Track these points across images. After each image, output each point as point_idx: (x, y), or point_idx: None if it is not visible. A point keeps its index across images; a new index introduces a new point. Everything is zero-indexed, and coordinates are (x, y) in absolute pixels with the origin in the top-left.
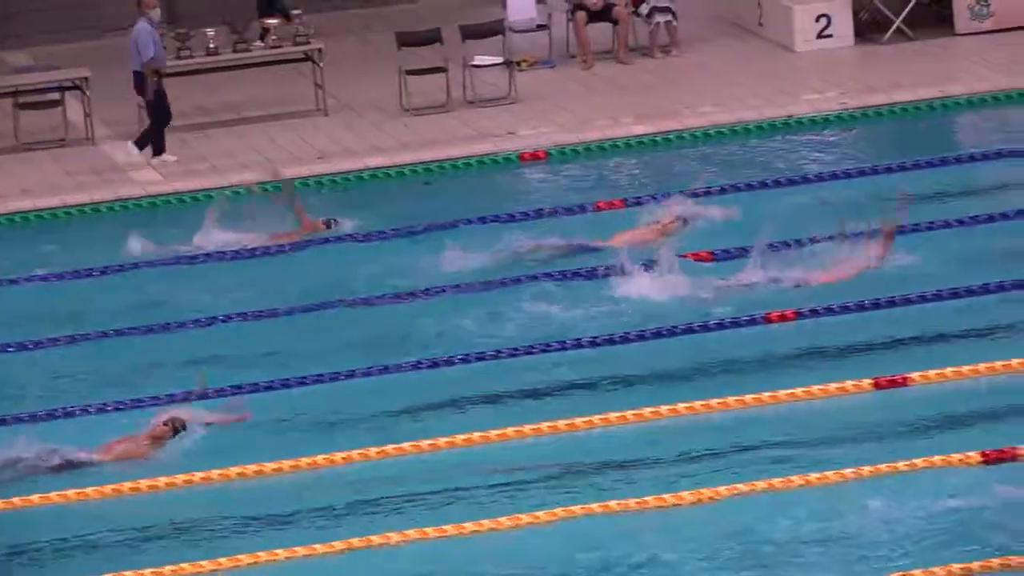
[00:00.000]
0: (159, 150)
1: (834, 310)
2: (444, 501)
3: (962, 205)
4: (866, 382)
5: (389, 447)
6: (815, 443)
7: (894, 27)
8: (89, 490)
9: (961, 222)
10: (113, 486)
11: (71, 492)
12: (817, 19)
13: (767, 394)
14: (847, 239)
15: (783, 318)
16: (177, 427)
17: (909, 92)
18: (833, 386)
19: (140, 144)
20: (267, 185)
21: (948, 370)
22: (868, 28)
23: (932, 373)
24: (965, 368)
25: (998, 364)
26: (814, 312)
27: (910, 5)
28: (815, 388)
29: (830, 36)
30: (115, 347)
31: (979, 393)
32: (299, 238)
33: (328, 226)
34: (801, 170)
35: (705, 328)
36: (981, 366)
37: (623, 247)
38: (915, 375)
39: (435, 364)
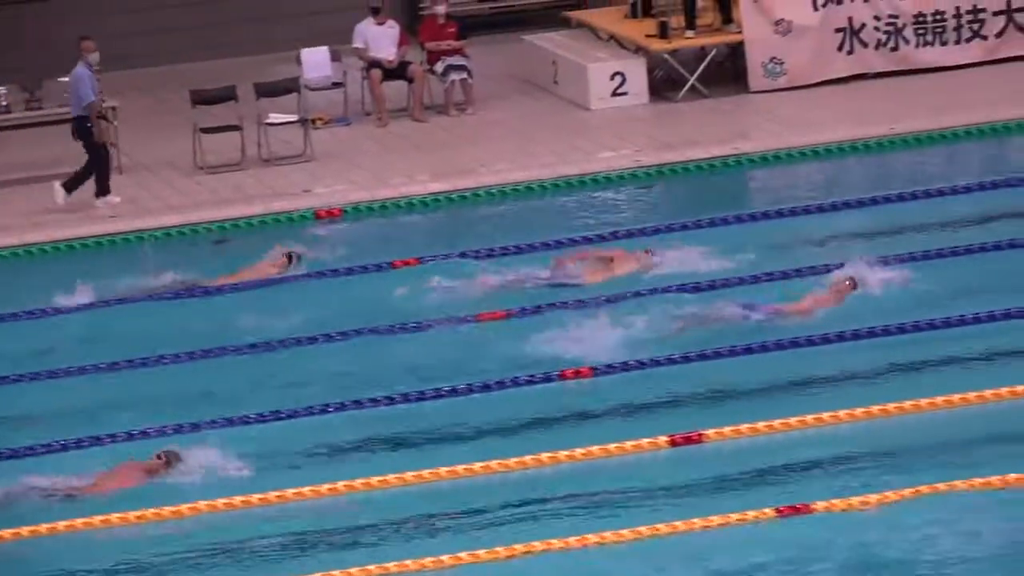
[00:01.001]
0: (104, 191)
1: (626, 366)
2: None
3: (753, 262)
4: (662, 439)
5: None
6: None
7: (688, 85)
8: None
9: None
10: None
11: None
12: (612, 77)
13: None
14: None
15: (577, 374)
16: (171, 460)
17: (703, 149)
18: (629, 443)
19: (69, 187)
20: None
21: (744, 426)
22: (663, 86)
23: (727, 429)
24: (761, 424)
25: (792, 420)
26: (609, 368)
27: (704, 63)
28: (611, 446)
29: (625, 94)
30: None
31: (772, 449)
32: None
33: (290, 260)
34: (595, 228)
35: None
36: (776, 422)
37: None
38: (710, 431)
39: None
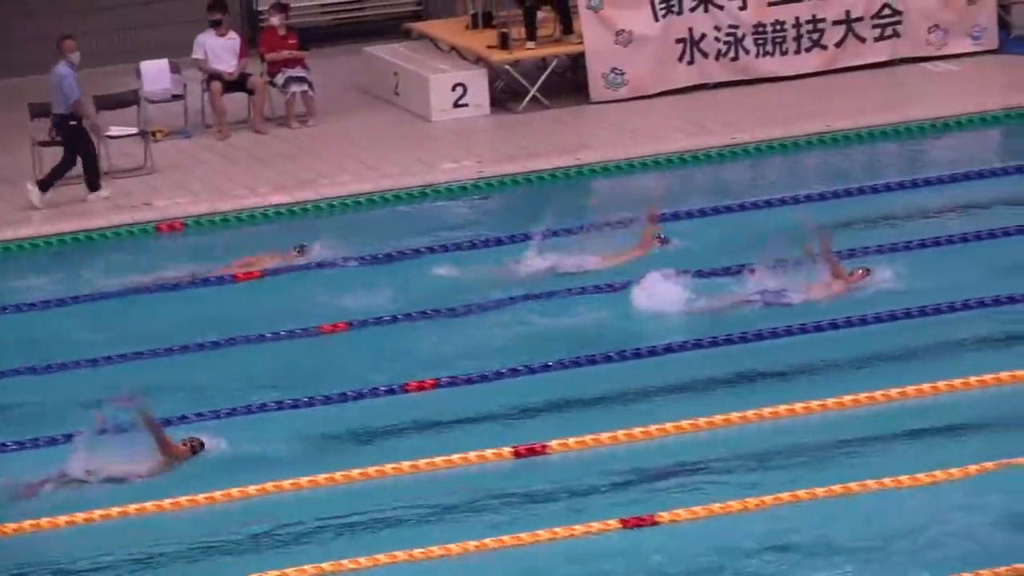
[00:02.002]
0: (95, 187)
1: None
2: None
3: (598, 275)
4: (506, 450)
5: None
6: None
7: (530, 95)
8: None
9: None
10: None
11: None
12: (453, 88)
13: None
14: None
15: (422, 387)
16: (195, 447)
17: (545, 160)
18: (473, 454)
19: (43, 186)
20: None
21: (587, 437)
22: (504, 97)
23: (572, 440)
24: (604, 435)
25: (636, 431)
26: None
27: (545, 74)
28: (455, 456)
29: (466, 105)
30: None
31: (618, 458)
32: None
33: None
34: (439, 239)
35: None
36: (619, 433)
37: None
38: (554, 443)
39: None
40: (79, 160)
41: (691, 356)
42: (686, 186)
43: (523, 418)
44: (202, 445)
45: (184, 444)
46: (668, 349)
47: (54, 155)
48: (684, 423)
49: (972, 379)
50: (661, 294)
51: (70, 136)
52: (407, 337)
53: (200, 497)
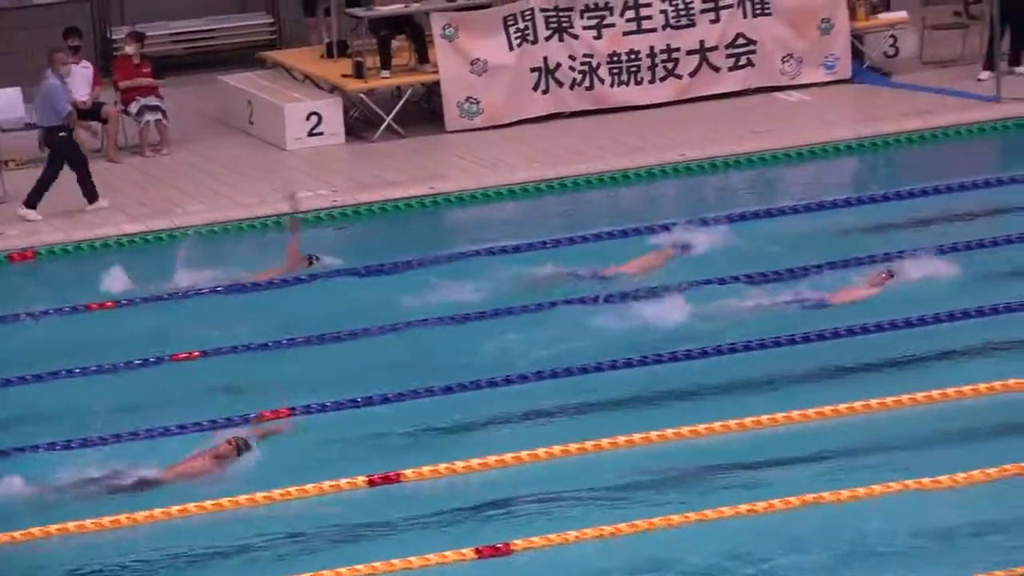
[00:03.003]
0: (93, 197)
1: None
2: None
3: (455, 302)
4: (360, 479)
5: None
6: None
7: (385, 124)
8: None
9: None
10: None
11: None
12: (308, 117)
13: None
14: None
15: (276, 415)
16: (240, 446)
17: (400, 189)
18: (327, 484)
19: (30, 201)
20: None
21: (442, 466)
22: (359, 126)
23: (426, 470)
24: (459, 464)
25: (508, 456)
26: (308, 409)
27: (400, 103)
28: (309, 486)
29: (321, 134)
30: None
31: (469, 488)
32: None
33: (310, 262)
34: (292, 270)
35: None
36: (475, 461)
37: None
38: (408, 472)
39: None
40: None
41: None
42: (541, 216)
43: (381, 446)
44: (248, 445)
45: (229, 444)
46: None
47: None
48: (540, 451)
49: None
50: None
51: (60, 148)
52: (263, 366)
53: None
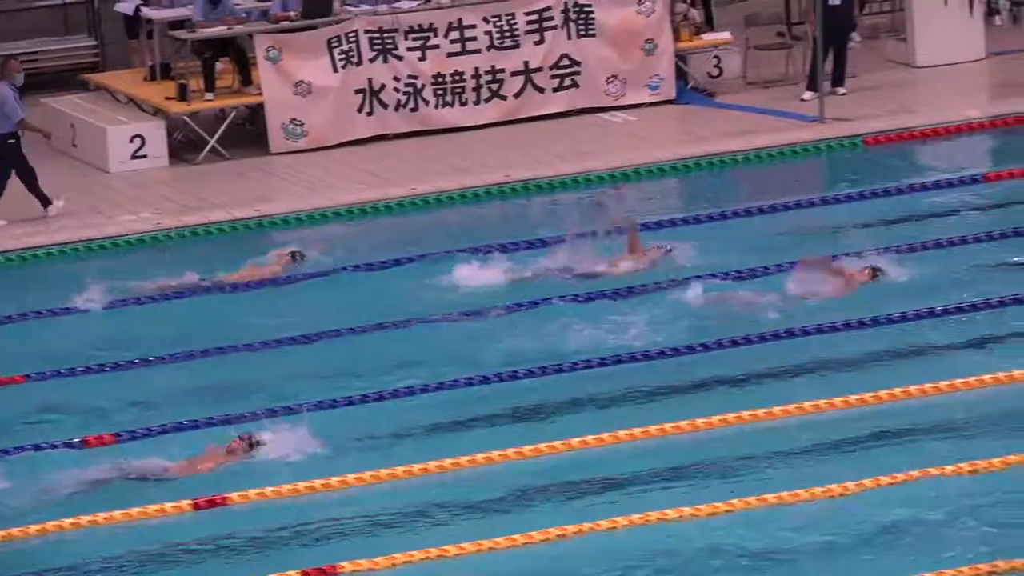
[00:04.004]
0: (48, 201)
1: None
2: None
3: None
4: (185, 503)
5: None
6: None
7: (208, 147)
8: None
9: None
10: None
11: (151, 507)
12: (131, 139)
13: None
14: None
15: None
16: (252, 443)
17: (225, 212)
18: (152, 508)
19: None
20: None
21: (267, 490)
22: (183, 148)
23: (252, 492)
24: (285, 487)
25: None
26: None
27: (224, 125)
28: (134, 510)
29: (144, 157)
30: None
31: (300, 509)
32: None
33: (294, 259)
34: (118, 293)
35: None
36: (301, 485)
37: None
38: (234, 495)
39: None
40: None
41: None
42: (369, 237)
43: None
44: (258, 441)
45: (240, 439)
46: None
47: None
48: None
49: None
50: None
51: (8, 155)
52: (76, 391)
53: None
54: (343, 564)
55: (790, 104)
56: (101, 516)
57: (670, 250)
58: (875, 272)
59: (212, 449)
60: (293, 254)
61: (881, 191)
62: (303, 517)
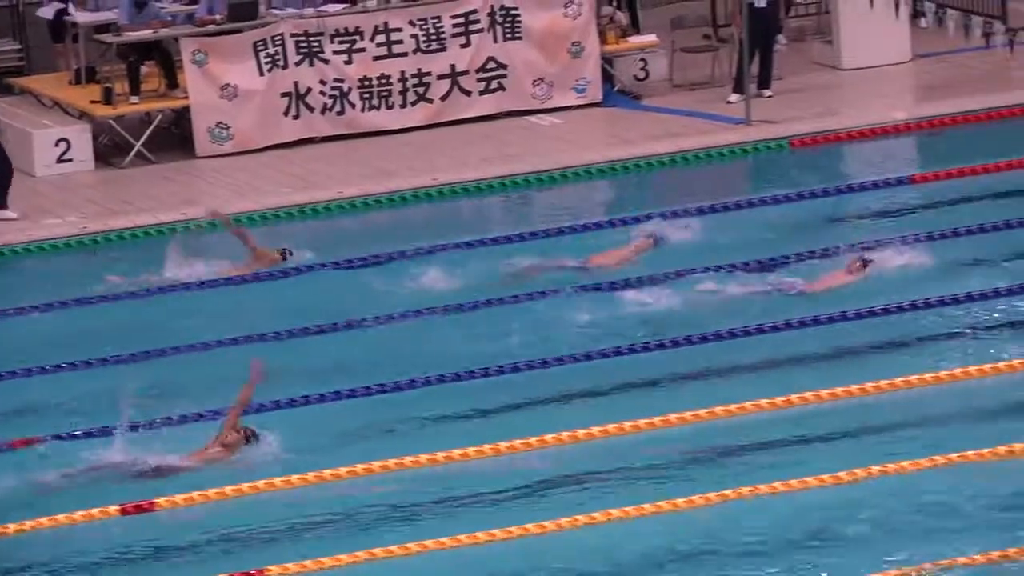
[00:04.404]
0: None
1: None
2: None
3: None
4: (112, 508)
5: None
6: None
7: (135, 151)
8: (178, 497)
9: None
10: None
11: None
12: (56, 143)
13: None
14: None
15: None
16: (248, 435)
17: (151, 215)
18: (79, 514)
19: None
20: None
21: (195, 494)
22: (109, 152)
23: (179, 498)
24: (211, 491)
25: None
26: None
27: (150, 128)
28: (60, 516)
29: (70, 160)
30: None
31: (228, 513)
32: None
33: (284, 257)
34: (37, 298)
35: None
36: (227, 489)
37: (601, 266)
38: (162, 500)
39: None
40: None
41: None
42: (295, 241)
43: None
44: (255, 434)
45: (237, 432)
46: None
47: None
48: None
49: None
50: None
51: None
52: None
53: None
54: (271, 568)
55: (716, 107)
56: (28, 523)
57: (659, 239)
58: (865, 263)
59: (209, 442)
60: (282, 251)
61: (807, 193)
62: (231, 521)
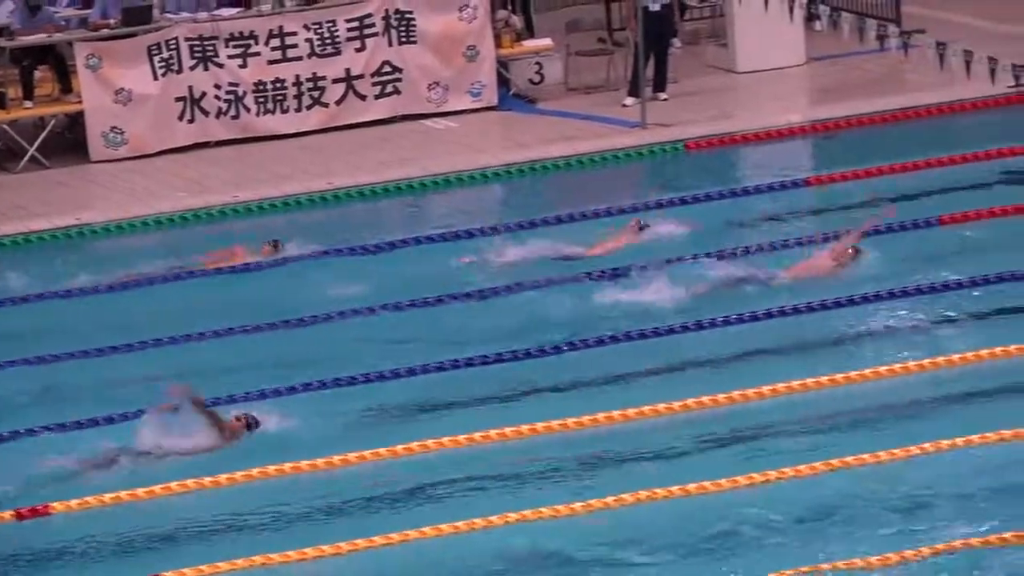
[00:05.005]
0: None
1: None
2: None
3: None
4: (7, 513)
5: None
6: None
7: (28, 155)
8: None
9: None
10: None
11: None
12: None
13: None
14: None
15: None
16: (251, 423)
17: (46, 220)
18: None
19: None
20: None
21: (90, 499)
22: (2, 157)
23: (74, 503)
24: (107, 496)
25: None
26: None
27: (44, 133)
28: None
29: None
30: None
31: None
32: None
33: (276, 248)
34: None
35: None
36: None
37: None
38: (57, 504)
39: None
40: None
41: None
42: (188, 245)
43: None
44: (257, 421)
45: (238, 420)
46: None
47: None
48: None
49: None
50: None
51: None
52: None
53: None
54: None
55: (612, 110)
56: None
57: (645, 226)
58: (857, 252)
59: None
60: (274, 243)
61: (703, 196)
62: (125, 525)
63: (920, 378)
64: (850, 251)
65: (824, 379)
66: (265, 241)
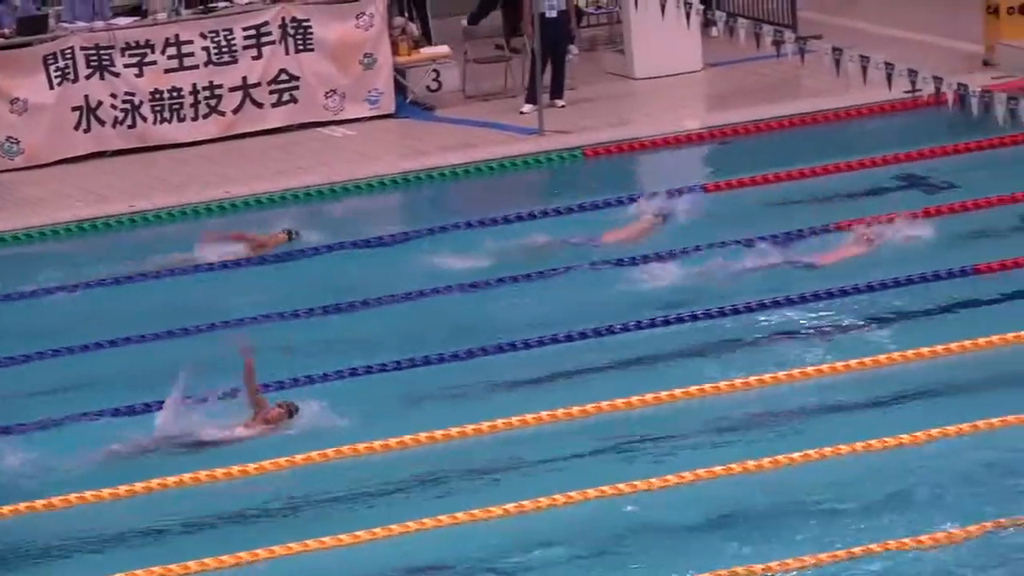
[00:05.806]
0: None
1: None
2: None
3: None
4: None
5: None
6: None
7: None
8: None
9: None
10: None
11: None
12: None
13: None
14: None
15: None
16: (291, 410)
17: None
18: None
19: None
20: None
21: (38, 503)
22: None
23: (22, 506)
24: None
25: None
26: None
27: None
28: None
29: None
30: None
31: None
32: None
33: (290, 237)
34: None
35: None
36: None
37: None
38: (5, 508)
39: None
40: None
41: None
42: (89, 255)
43: None
44: (297, 409)
45: (280, 407)
46: None
47: None
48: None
49: None
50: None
51: None
52: None
53: None
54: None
55: (510, 117)
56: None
57: (665, 217)
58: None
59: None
60: (289, 232)
61: (601, 202)
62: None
63: (817, 382)
64: (867, 237)
65: (737, 382)
66: (281, 229)
